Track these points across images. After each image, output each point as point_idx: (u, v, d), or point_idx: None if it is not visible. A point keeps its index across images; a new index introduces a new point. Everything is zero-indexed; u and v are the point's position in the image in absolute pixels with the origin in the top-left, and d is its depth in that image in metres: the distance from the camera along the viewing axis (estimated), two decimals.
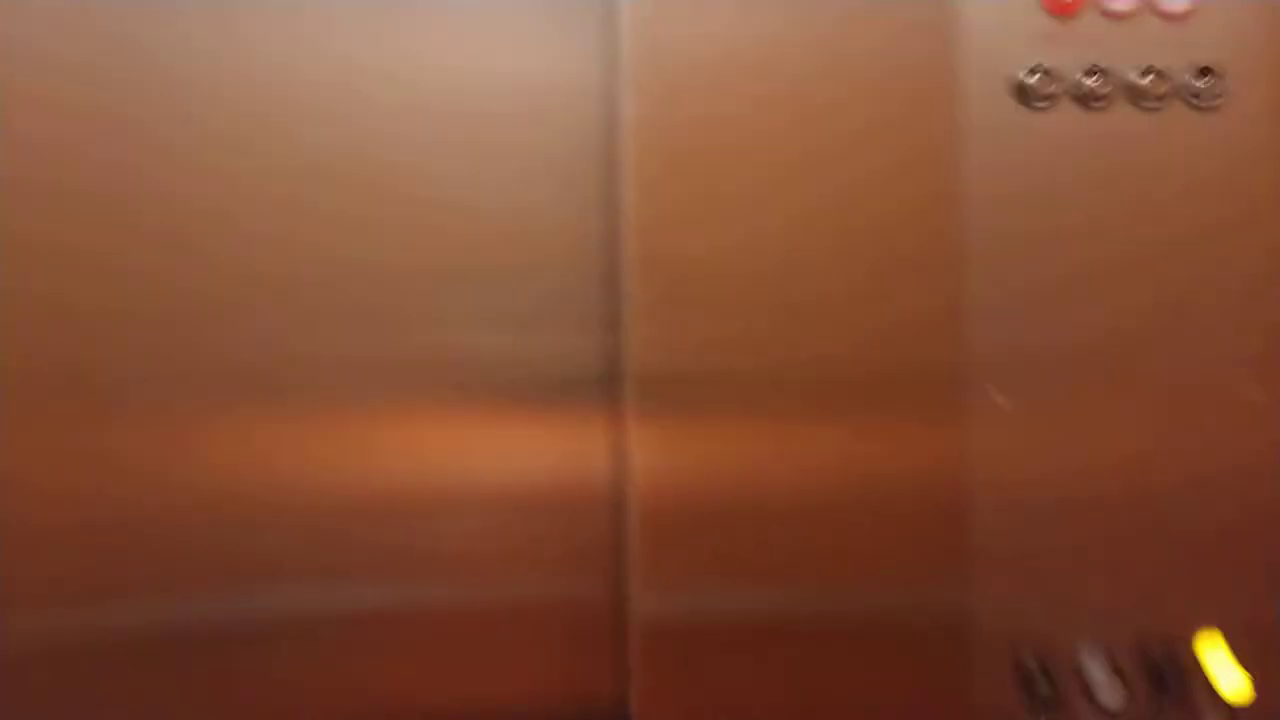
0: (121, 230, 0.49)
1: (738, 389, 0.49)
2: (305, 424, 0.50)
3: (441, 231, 0.50)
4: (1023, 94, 0.49)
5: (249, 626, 0.50)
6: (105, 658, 0.50)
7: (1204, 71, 0.50)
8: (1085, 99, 0.49)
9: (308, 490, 0.50)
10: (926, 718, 0.50)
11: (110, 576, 0.50)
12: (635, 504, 0.49)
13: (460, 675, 0.52)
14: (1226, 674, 0.49)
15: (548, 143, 0.51)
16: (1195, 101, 0.50)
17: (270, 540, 0.50)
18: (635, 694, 0.50)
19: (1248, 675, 0.49)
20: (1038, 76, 0.49)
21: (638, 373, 0.49)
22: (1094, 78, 0.49)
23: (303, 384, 0.50)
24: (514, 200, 0.51)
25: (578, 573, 0.51)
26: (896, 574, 0.49)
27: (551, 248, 0.51)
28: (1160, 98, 0.50)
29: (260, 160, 0.50)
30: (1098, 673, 0.48)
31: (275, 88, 0.50)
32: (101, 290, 0.49)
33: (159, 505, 0.50)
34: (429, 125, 0.50)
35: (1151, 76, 0.49)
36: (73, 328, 0.49)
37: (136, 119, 0.49)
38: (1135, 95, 0.50)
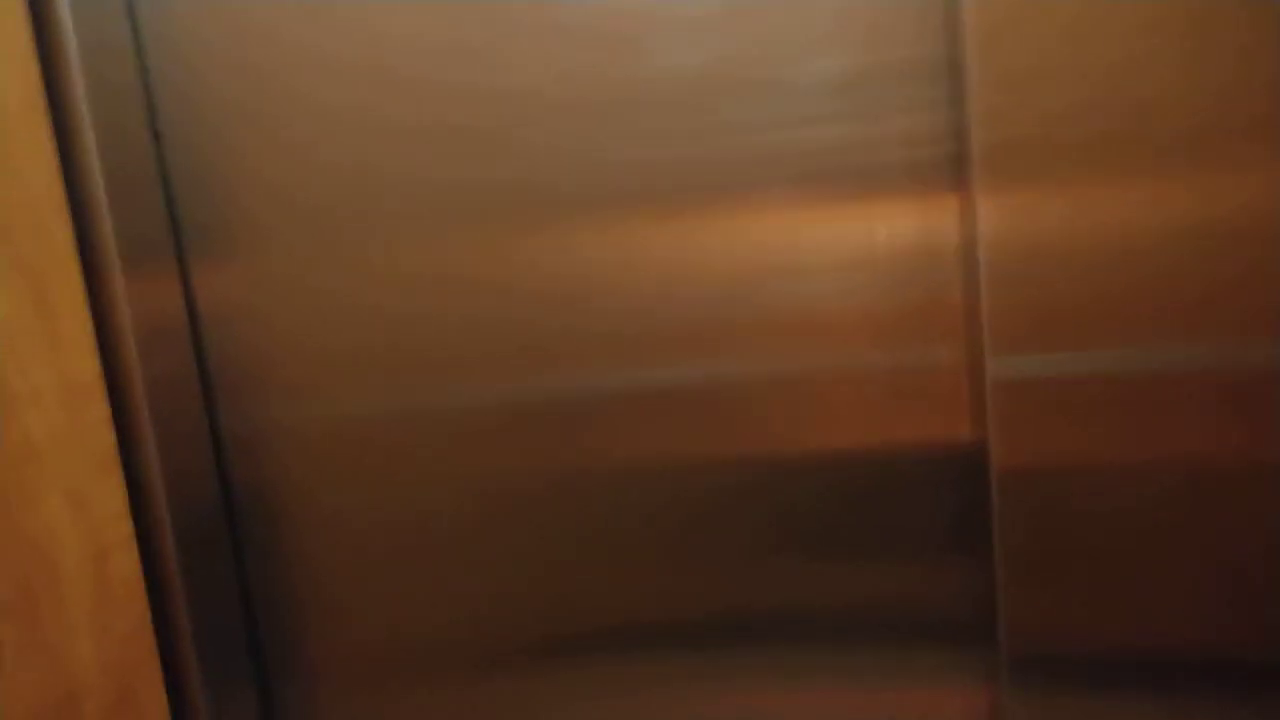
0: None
1: (1073, 155, 0.56)
2: (671, 221, 0.59)
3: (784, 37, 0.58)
4: None
5: (605, 401, 0.61)
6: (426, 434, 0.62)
7: None
8: None
9: (683, 276, 0.60)
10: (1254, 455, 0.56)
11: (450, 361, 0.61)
12: (985, 268, 0.57)
13: (831, 429, 0.61)
14: None
15: None
16: None
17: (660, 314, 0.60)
18: (994, 440, 0.58)
19: None
20: None
21: (981, 144, 0.56)
22: None
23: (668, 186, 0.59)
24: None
25: (936, 335, 0.60)
26: (1222, 318, 0.56)
27: (893, 38, 0.57)
28: None
29: None
30: None
31: None
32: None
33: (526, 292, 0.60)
34: None
35: None
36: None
37: None
38: None
